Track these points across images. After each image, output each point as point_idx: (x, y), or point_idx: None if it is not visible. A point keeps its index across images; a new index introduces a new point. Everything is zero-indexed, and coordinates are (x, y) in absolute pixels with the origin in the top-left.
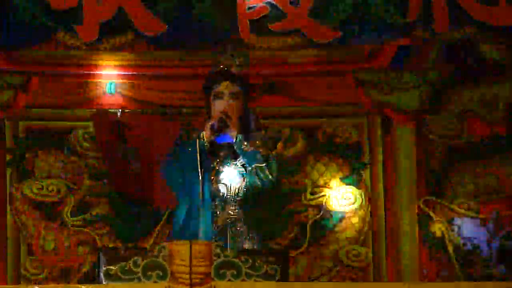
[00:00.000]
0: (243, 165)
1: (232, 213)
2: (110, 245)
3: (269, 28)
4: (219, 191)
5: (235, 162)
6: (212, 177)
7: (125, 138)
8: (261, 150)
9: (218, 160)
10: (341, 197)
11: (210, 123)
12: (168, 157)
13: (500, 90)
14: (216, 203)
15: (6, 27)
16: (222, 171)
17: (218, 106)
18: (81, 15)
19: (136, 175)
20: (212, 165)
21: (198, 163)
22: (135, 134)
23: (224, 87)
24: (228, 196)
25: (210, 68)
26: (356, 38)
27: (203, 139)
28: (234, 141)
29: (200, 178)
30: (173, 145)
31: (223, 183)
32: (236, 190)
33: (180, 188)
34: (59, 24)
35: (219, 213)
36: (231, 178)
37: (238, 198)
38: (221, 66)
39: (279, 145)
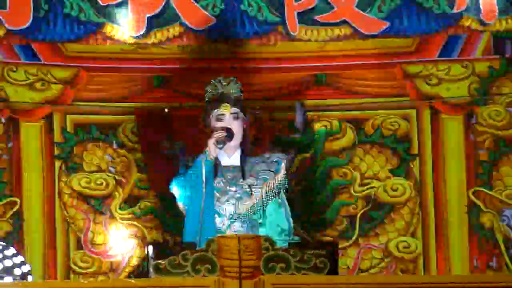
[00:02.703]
0: (249, 186)
1: (239, 231)
2: (159, 239)
3: (317, 20)
4: (226, 210)
5: (242, 182)
6: (220, 197)
7: (171, 133)
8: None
9: (225, 180)
10: (390, 189)
11: (213, 139)
12: (178, 175)
13: None
14: (224, 221)
15: (54, 21)
16: (230, 191)
17: (220, 125)
18: (128, 9)
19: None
20: (219, 186)
21: (203, 178)
22: (182, 128)
23: (224, 108)
24: (235, 215)
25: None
26: (404, 29)
27: (209, 156)
28: (240, 163)
29: (203, 192)
30: (179, 166)
31: (230, 202)
32: (243, 209)
33: (187, 202)
34: (107, 18)
35: (227, 231)
36: (238, 197)
37: (245, 217)
38: (215, 94)
39: (282, 167)
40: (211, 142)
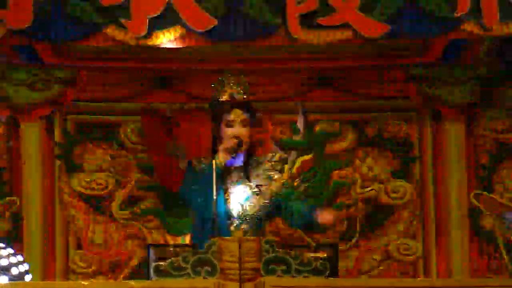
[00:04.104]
0: (257, 186)
1: (247, 231)
2: (159, 240)
3: (318, 22)
4: (233, 210)
5: (248, 183)
6: (227, 198)
7: (173, 134)
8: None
9: (232, 181)
10: (391, 191)
11: (226, 147)
12: (186, 179)
13: None
14: (231, 221)
15: (56, 22)
16: (237, 192)
17: (230, 132)
18: (130, 10)
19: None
20: (226, 186)
21: (214, 183)
22: (184, 130)
23: (235, 115)
24: (243, 216)
25: (216, 95)
26: (406, 32)
27: (218, 162)
28: (243, 164)
29: (214, 197)
30: (187, 170)
31: (237, 203)
32: (251, 210)
33: (199, 207)
34: (108, 18)
35: (234, 231)
36: (245, 198)
37: (252, 217)
38: (227, 95)
39: (286, 167)
40: (221, 150)
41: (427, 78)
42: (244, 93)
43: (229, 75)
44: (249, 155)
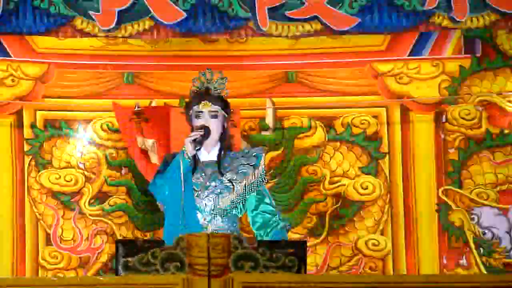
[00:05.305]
0: (230, 180)
1: (220, 225)
2: (128, 235)
3: (288, 15)
4: (206, 205)
5: (221, 178)
6: (200, 192)
7: (143, 130)
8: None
9: (204, 176)
10: (360, 187)
11: (192, 137)
12: (157, 174)
13: None
14: (205, 216)
15: (24, 14)
16: (210, 186)
17: (198, 123)
18: (98, 2)
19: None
20: (199, 181)
21: (181, 176)
22: (152, 126)
23: (203, 106)
24: (216, 210)
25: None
26: (375, 25)
27: (186, 154)
28: (217, 158)
29: (182, 191)
30: (160, 165)
31: (210, 197)
32: (224, 204)
33: (167, 201)
34: (77, 11)
35: (208, 227)
36: (218, 192)
37: (225, 212)
38: (200, 88)
39: (261, 161)
40: (187, 141)
41: (395, 74)
42: (221, 89)
43: (210, 70)
44: (223, 149)
